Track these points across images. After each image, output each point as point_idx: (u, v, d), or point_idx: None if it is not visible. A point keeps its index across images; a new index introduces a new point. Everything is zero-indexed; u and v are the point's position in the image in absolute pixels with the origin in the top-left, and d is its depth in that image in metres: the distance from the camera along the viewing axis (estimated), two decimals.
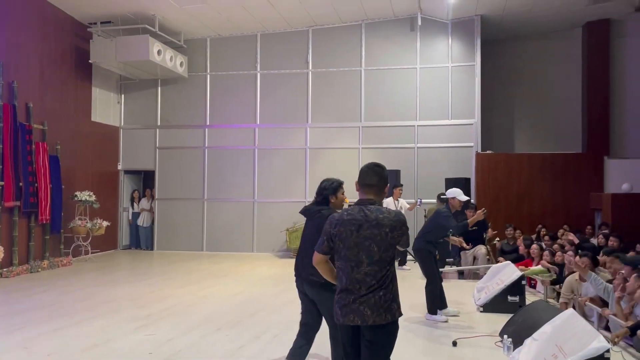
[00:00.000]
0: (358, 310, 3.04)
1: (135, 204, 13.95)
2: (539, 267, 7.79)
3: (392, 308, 3.06)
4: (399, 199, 11.01)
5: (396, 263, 4.00)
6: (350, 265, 3.08)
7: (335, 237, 3.13)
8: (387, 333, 3.08)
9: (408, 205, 10.87)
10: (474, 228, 9.36)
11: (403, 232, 3.11)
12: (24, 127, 10.36)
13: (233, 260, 11.89)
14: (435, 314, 6.67)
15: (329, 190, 4.31)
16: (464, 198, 7.13)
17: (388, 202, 10.99)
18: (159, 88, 13.85)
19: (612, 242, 7.98)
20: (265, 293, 8.30)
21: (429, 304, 6.70)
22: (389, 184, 3.34)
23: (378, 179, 3.20)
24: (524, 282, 7.04)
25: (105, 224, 11.91)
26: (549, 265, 7.71)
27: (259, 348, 5.40)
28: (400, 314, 3.12)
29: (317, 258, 3.25)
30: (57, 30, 11.56)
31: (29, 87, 10.69)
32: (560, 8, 11.76)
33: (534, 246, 9.06)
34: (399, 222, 3.09)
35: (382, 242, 3.05)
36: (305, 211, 4.41)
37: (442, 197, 7.76)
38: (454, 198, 7.14)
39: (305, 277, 4.17)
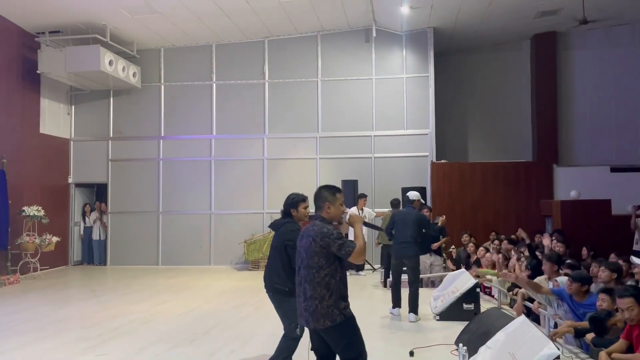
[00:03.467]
0: (303, 315, 3.59)
1: (87, 218, 13.54)
2: (494, 270, 7.96)
3: (332, 314, 3.49)
4: (363, 208, 11.14)
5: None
6: (296, 270, 3.71)
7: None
8: (334, 334, 3.52)
9: (374, 214, 11.03)
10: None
11: (326, 242, 3.50)
12: None
13: (189, 275, 11.66)
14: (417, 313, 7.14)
15: (290, 204, 4.64)
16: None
17: (352, 211, 11.08)
18: (112, 99, 13.54)
19: (558, 247, 8.21)
20: (221, 308, 8.16)
21: (415, 304, 7.12)
22: (326, 202, 3.70)
23: (315, 199, 3.77)
24: (478, 290, 7.15)
25: (55, 239, 11.51)
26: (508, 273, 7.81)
27: None
28: (345, 317, 3.50)
29: None
30: (2, 40, 11.17)
31: None
32: (509, 21, 12.13)
33: (481, 249, 9.28)
34: (319, 234, 3.53)
35: (308, 250, 3.56)
36: (272, 225, 4.77)
37: (410, 198, 7.85)
38: (419, 200, 7.74)
39: (270, 286, 4.57)
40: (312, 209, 4.53)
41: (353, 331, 3.57)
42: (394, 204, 9.86)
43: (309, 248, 3.56)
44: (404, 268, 7.43)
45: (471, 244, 9.51)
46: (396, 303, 7.38)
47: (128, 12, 11.04)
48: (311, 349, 3.73)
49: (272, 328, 4.18)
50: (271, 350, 4.62)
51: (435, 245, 9.59)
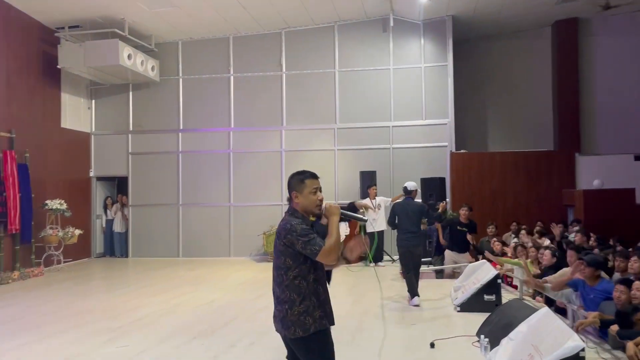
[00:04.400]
0: (275, 320, 3.14)
1: (108, 211, 13.71)
2: (515, 259, 7.86)
3: (304, 322, 3.01)
4: (375, 197, 11.16)
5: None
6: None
7: None
8: (303, 346, 3.04)
9: (389, 200, 10.91)
10: (464, 229, 9.46)
11: (290, 240, 3.00)
12: None
13: (209, 266, 11.74)
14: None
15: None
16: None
17: (366, 202, 11.10)
18: (131, 93, 13.63)
19: (578, 237, 8.08)
20: (241, 299, 8.19)
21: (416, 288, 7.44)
22: (292, 191, 3.18)
23: (288, 190, 3.21)
24: (499, 281, 7.07)
25: (77, 232, 11.66)
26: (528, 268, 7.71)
27: (234, 356, 5.31)
28: (319, 328, 3.02)
29: None
30: (23, 35, 11.29)
31: None
32: (530, 8, 11.91)
33: (495, 242, 9.19)
34: (283, 230, 3.05)
35: (276, 248, 3.11)
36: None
37: (408, 189, 8.03)
38: (416, 190, 8.15)
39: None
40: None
41: (323, 347, 3.07)
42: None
43: (276, 247, 3.11)
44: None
45: (497, 243, 9.35)
46: (413, 293, 7.44)
47: (146, 5, 11.07)
48: (286, 357, 3.28)
49: None
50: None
51: (471, 251, 9.53)
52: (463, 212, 9.59)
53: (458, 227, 9.55)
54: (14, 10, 11.01)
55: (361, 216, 3.42)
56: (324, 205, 3.15)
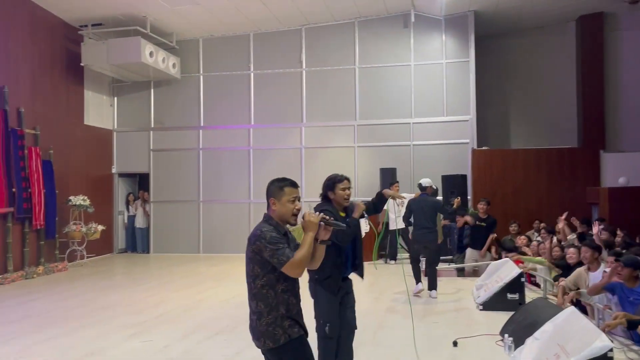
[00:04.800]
0: (249, 329, 3.02)
1: (130, 207, 13.86)
2: (539, 258, 7.76)
3: (273, 333, 2.89)
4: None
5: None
6: None
7: None
8: (277, 357, 2.93)
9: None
10: (483, 224, 9.35)
11: (258, 247, 2.85)
12: (16, 133, 10.25)
13: (230, 262, 11.80)
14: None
15: (327, 186, 4.21)
16: None
17: (394, 192, 10.97)
18: (152, 90, 13.75)
19: (603, 235, 7.93)
20: None
21: (435, 282, 7.83)
22: (270, 198, 3.03)
23: (266, 196, 3.07)
24: (523, 279, 6.99)
25: (100, 228, 11.81)
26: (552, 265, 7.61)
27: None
28: (290, 337, 2.89)
29: None
30: (47, 33, 11.44)
31: (19, 92, 10.58)
32: (554, 2, 11.72)
33: (522, 237, 9.08)
34: (253, 236, 2.91)
35: (246, 255, 2.96)
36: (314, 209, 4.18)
37: (423, 185, 8.19)
38: (431, 186, 8.34)
39: (310, 275, 4.12)
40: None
41: (298, 356, 2.96)
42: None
43: (246, 253, 2.96)
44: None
45: (523, 237, 9.23)
46: (418, 279, 7.98)
47: (167, 3, 11.14)
48: None
49: (312, 313, 4.11)
50: (313, 339, 4.59)
51: (484, 250, 9.43)
52: (481, 206, 9.51)
53: (477, 223, 9.47)
54: (40, 9, 11.16)
55: (342, 224, 3.19)
56: (300, 215, 3.00)
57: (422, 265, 9.59)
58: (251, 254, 2.90)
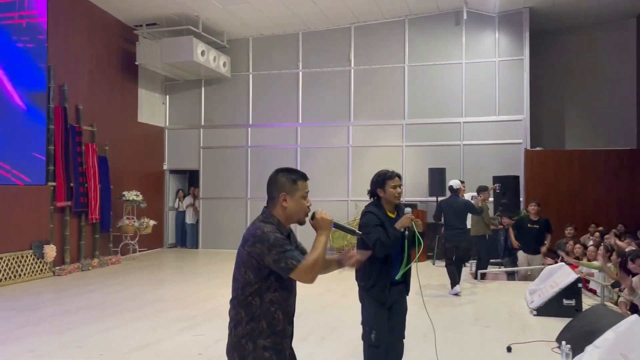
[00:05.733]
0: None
1: (180, 203, 14.16)
2: (597, 263, 7.49)
3: (243, 347, 2.45)
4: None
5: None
6: None
7: None
8: None
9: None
10: (535, 226, 9.07)
11: (259, 250, 2.40)
12: (74, 129, 10.62)
13: None
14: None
15: (376, 183, 3.93)
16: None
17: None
18: (203, 88, 13.99)
19: None
20: (307, 293, 8.17)
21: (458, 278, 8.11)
22: (282, 192, 2.59)
23: (268, 186, 2.66)
24: (580, 285, 6.74)
25: (152, 223, 12.10)
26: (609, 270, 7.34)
27: (307, 351, 5.32)
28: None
29: None
30: (104, 33, 11.80)
31: (78, 89, 10.95)
32: None
33: (577, 246, 8.77)
34: (251, 237, 2.45)
35: (238, 256, 2.53)
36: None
37: (454, 187, 8.38)
38: (460, 188, 8.56)
39: (358, 282, 3.96)
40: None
41: None
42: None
43: (238, 254, 2.52)
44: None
45: (578, 246, 8.92)
46: (454, 281, 8.06)
47: (219, 2, 11.31)
48: None
49: (359, 317, 4.05)
50: (359, 345, 4.46)
51: (544, 249, 9.17)
52: (532, 207, 9.24)
53: (529, 225, 9.20)
54: (97, 9, 11.52)
55: (355, 229, 2.95)
56: (310, 213, 2.61)
57: (472, 267, 9.45)
58: (246, 257, 2.45)
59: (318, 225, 2.53)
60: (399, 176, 3.95)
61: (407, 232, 3.80)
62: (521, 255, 9.40)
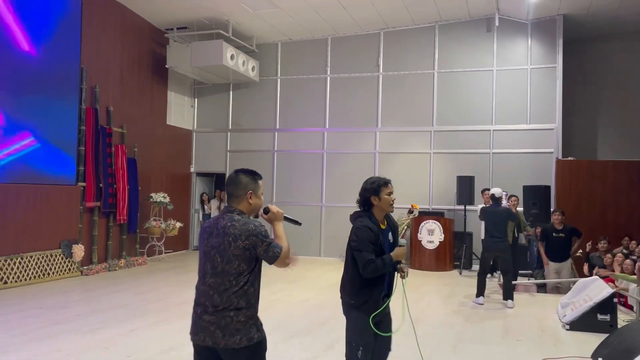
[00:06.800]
0: (208, 329, 2.80)
1: (205, 206, 14.22)
2: (633, 276, 7.26)
3: (249, 330, 2.79)
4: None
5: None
6: (199, 276, 2.92)
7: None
8: (247, 355, 2.78)
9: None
10: (561, 235, 8.87)
11: (253, 242, 2.77)
12: (105, 130, 10.75)
13: (301, 265, 11.72)
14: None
15: (369, 190, 3.63)
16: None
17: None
18: (231, 92, 14.06)
19: None
20: (333, 300, 8.08)
21: (511, 292, 8.02)
22: (249, 190, 2.95)
23: (230, 185, 2.97)
24: (615, 300, 6.54)
25: (178, 225, 12.17)
26: None
27: (334, 358, 5.26)
28: (262, 337, 2.83)
29: None
30: (135, 36, 11.94)
31: (109, 91, 11.09)
32: None
33: (619, 255, 8.50)
34: (244, 232, 2.78)
35: (224, 252, 2.79)
36: (350, 217, 3.79)
37: (496, 196, 8.34)
38: (502, 197, 8.58)
39: (344, 298, 3.73)
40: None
41: (263, 357, 2.87)
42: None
43: (224, 250, 2.79)
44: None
45: (619, 255, 8.66)
46: (480, 292, 8.06)
47: (250, 7, 11.35)
48: None
49: None
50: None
51: (573, 250, 9.03)
52: (556, 217, 9.03)
53: (554, 234, 9.01)
54: (129, 12, 11.67)
55: (296, 219, 3.25)
56: (262, 207, 3.05)
57: (500, 279, 9.26)
58: (240, 251, 2.77)
59: (274, 218, 3.03)
60: (390, 182, 3.72)
61: (400, 264, 3.64)
62: (550, 266, 9.18)
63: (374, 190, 3.62)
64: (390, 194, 3.64)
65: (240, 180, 2.96)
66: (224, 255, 2.78)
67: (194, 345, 2.89)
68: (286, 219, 3.14)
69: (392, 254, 3.59)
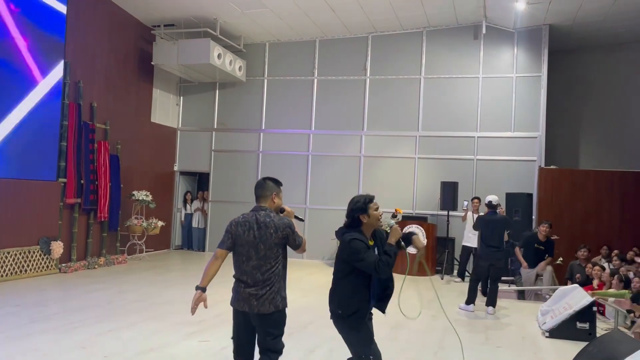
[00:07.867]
0: (247, 299, 3.58)
1: (188, 205, 14.10)
2: (613, 290, 7.34)
3: (276, 300, 3.59)
4: (478, 211, 10.62)
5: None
6: (242, 259, 3.64)
7: (234, 236, 3.68)
8: (273, 320, 3.60)
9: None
10: (541, 248, 8.98)
11: (287, 233, 3.61)
12: (88, 126, 10.61)
13: None
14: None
15: (357, 210, 3.70)
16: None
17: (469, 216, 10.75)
18: (217, 91, 13.97)
19: None
20: (316, 303, 8.13)
21: (495, 300, 7.96)
22: (274, 192, 3.78)
23: (260, 188, 3.78)
24: (594, 309, 6.61)
25: (160, 223, 12.05)
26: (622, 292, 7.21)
27: (325, 354, 5.23)
28: (285, 305, 3.66)
29: (218, 253, 3.74)
30: (122, 31, 11.81)
31: (93, 87, 10.95)
32: (636, 18, 11.14)
33: (597, 268, 8.61)
34: (282, 225, 3.62)
35: (267, 241, 3.58)
36: (336, 233, 3.85)
37: (493, 203, 8.35)
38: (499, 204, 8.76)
39: (332, 309, 3.75)
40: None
41: (285, 322, 3.68)
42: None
43: (267, 239, 3.58)
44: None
45: (597, 268, 8.76)
46: (471, 300, 8.03)
47: (238, 6, 11.29)
48: (231, 338, 3.84)
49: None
50: None
51: (541, 266, 9.09)
52: (543, 228, 9.11)
53: (536, 245, 9.12)
54: (117, 8, 11.54)
55: (300, 217, 4.13)
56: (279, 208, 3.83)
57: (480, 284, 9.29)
58: (278, 240, 3.61)
59: (287, 215, 3.86)
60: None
61: (402, 242, 3.75)
62: (524, 272, 9.29)
63: (361, 209, 3.69)
64: (377, 209, 3.74)
65: (267, 185, 3.80)
66: (267, 243, 3.60)
67: (234, 310, 3.74)
68: (295, 217, 3.99)
69: (388, 240, 3.69)
